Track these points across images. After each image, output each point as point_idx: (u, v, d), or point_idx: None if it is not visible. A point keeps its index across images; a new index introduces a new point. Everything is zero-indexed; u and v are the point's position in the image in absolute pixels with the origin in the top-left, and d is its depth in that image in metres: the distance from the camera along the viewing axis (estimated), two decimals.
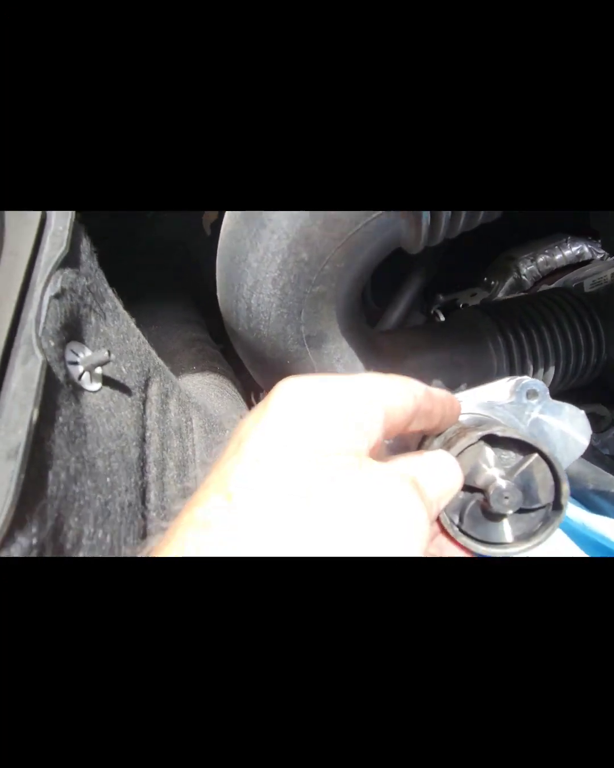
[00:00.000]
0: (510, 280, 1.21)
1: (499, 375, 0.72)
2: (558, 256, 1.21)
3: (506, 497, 0.33)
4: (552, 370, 0.74)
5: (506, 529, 0.36)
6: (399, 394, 0.29)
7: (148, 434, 0.44)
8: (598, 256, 1.19)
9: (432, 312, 1.20)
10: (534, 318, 0.73)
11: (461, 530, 0.35)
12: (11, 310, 0.31)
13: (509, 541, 0.36)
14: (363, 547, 0.22)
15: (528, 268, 1.21)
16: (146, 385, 0.47)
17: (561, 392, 0.80)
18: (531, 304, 0.75)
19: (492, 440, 0.35)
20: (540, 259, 1.21)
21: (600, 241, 1.21)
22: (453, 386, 0.69)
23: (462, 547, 0.36)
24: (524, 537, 0.36)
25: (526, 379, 0.43)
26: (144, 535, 0.37)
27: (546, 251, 1.22)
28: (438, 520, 0.35)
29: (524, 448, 0.35)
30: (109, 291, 0.46)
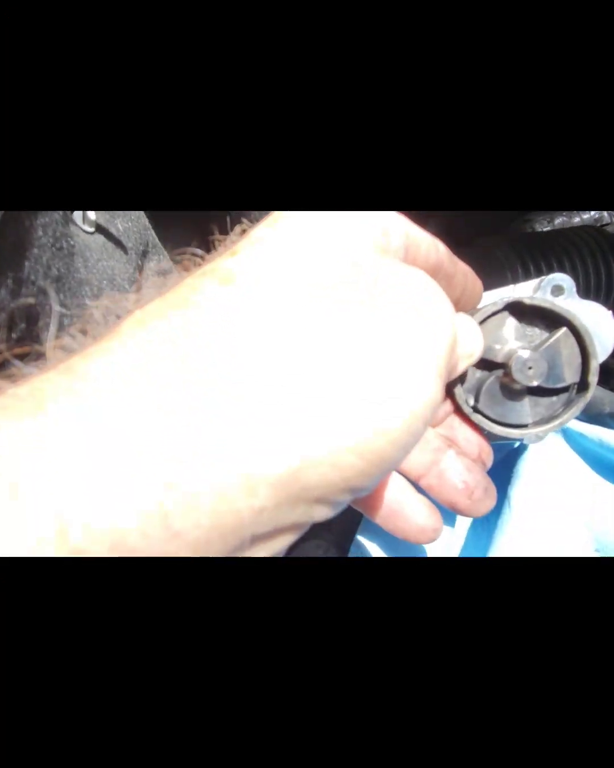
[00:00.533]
0: None
1: None
2: (576, 219, 1.18)
3: (530, 367, 0.30)
4: None
5: (525, 410, 0.33)
6: (423, 234, 0.25)
7: (143, 302, 0.41)
8: None
9: None
10: (555, 250, 0.70)
11: (476, 410, 0.32)
12: None
13: (528, 423, 0.33)
14: (381, 318, 0.19)
15: (545, 230, 1.18)
16: (143, 256, 0.44)
17: None
18: (553, 238, 0.72)
19: (518, 311, 0.31)
20: (558, 222, 1.18)
21: None
22: None
23: (476, 428, 0.32)
24: (543, 420, 0.33)
25: (552, 274, 0.40)
26: None
27: (564, 214, 1.19)
28: (451, 397, 0.32)
29: (552, 322, 0.32)
30: None
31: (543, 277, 0.41)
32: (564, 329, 0.31)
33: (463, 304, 0.31)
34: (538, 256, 0.68)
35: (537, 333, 0.32)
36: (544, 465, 0.51)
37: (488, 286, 0.75)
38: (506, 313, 0.31)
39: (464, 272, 0.29)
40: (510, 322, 0.31)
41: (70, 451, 0.13)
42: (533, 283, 0.41)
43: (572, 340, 0.31)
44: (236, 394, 0.16)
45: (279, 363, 0.16)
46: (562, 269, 0.69)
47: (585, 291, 0.70)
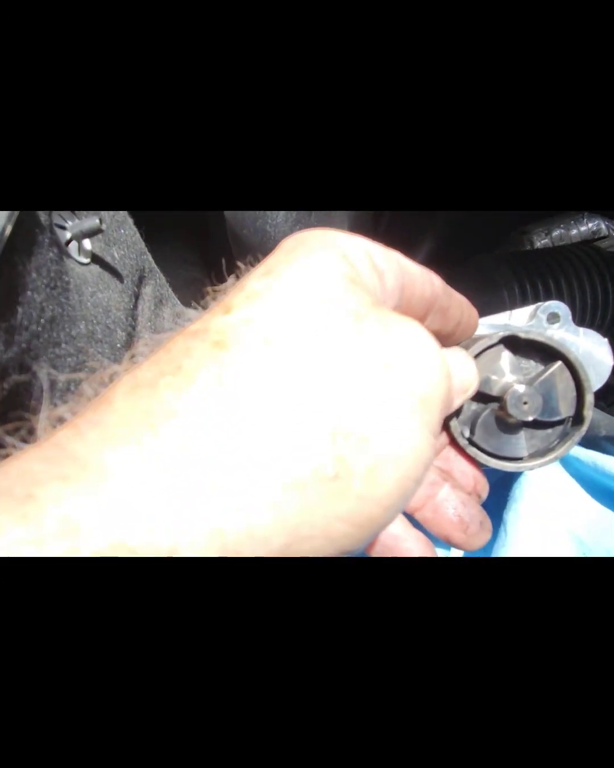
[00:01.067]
0: None
1: None
2: (573, 232, 1.18)
3: (525, 402, 0.30)
4: None
5: (521, 443, 0.33)
6: (419, 270, 0.25)
7: (138, 329, 0.41)
8: None
9: None
10: (552, 268, 0.70)
11: (472, 442, 0.32)
12: None
13: (523, 456, 0.33)
14: (370, 385, 0.18)
15: (542, 242, 1.18)
16: (140, 282, 0.44)
17: None
18: (550, 256, 0.72)
19: (513, 345, 0.31)
20: (555, 233, 1.18)
21: None
22: None
23: (472, 461, 0.32)
24: (539, 453, 0.33)
25: (548, 301, 0.40)
26: None
27: (562, 226, 1.19)
28: (447, 429, 0.32)
29: (547, 355, 0.32)
30: None
31: (539, 304, 0.41)
32: (559, 363, 0.31)
33: (459, 335, 0.31)
34: (536, 277, 0.68)
35: (532, 366, 0.32)
36: (540, 489, 0.51)
37: (485, 306, 0.75)
38: (501, 347, 0.31)
39: (459, 303, 0.29)
40: (506, 356, 0.31)
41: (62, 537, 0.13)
42: (529, 309, 0.41)
43: (567, 373, 0.31)
44: (214, 480, 0.15)
45: (264, 440, 0.16)
46: (559, 289, 0.69)
47: (583, 311, 0.70)
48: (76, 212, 0.36)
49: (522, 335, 0.31)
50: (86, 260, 0.35)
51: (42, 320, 0.25)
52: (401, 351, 0.19)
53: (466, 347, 0.31)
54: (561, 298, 0.68)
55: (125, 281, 0.40)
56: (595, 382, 0.41)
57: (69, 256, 0.33)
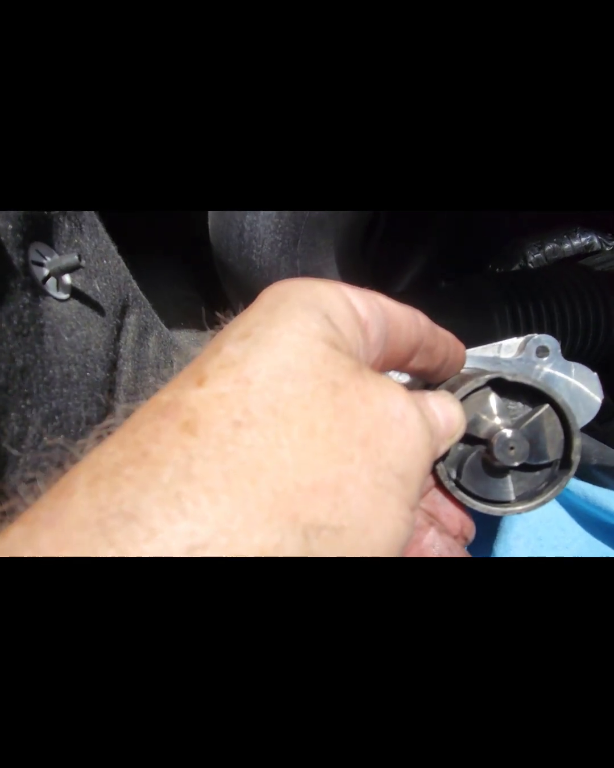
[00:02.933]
0: (515, 268, 1.18)
1: None
2: (566, 246, 1.18)
3: (511, 448, 0.29)
4: None
5: (508, 487, 0.32)
6: (403, 314, 0.24)
7: (120, 362, 0.40)
8: (607, 247, 1.16)
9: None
10: (543, 291, 0.70)
11: (459, 485, 0.31)
12: None
13: (510, 500, 0.32)
14: (346, 468, 0.17)
15: (535, 256, 1.17)
16: (123, 312, 0.43)
17: None
18: (541, 277, 0.72)
19: (500, 387, 0.31)
20: (548, 248, 1.18)
21: (610, 233, 1.18)
22: None
23: (459, 504, 0.32)
24: (526, 496, 0.32)
25: (537, 334, 0.39)
26: None
27: (555, 240, 1.18)
28: (433, 472, 0.31)
29: (534, 398, 0.31)
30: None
31: (529, 336, 0.41)
32: (546, 406, 0.30)
33: (445, 372, 0.30)
34: (527, 300, 0.67)
35: (520, 407, 0.32)
36: (529, 520, 0.50)
37: (475, 329, 0.74)
38: (488, 389, 0.31)
39: (445, 340, 0.28)
40: (493, 398, 0.31)
41: None
42: (518, 341, 0.41)
43: (555, 416, 0.31)
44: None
45: (230, 545, 0.15)
46: (550, 312, 0.68)
47: (574, 334, 0.69)
48: (55, 247, 0.35)
49: (510, 378, 0.30)
50: (65, 296, 0.35)
51: (11, 371, 0.25)
52: (380, 425, 0.19)
53: (453, 389, 0.30)
54: (551, 321, 0.68)
55: (107, 314, 0.39)
56: (585, 416, 0.41)
57: (46, 294, 0.32)
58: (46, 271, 0.33)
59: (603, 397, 0.40)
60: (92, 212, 0.42)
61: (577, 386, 0.40)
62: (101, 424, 0.19)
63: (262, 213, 0.41)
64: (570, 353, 0.73)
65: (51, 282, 0.33)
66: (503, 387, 0.31)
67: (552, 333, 0.71)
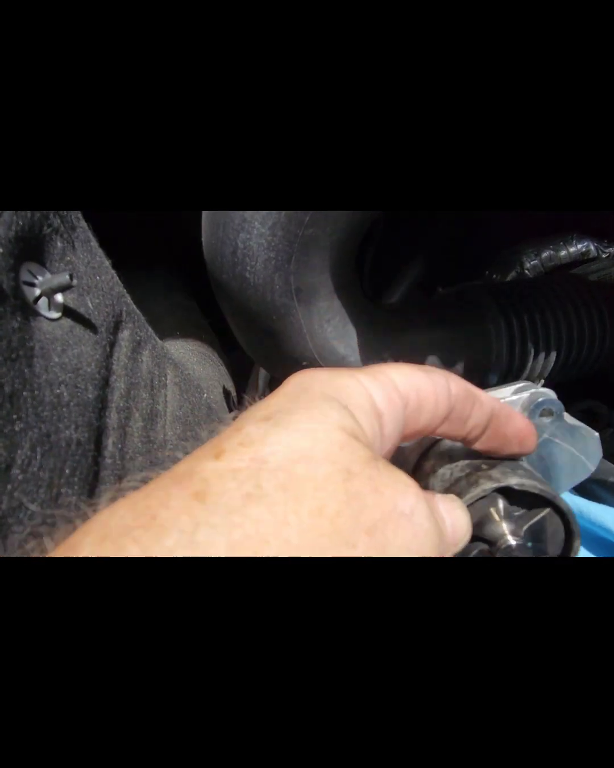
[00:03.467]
0: (512, 274, 1.18)
1: (498, 358, 0.69)
2: (562, 253, 1.18)
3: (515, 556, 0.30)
4: (552, 358, 0.70)
5: None
6: (430, 388, 0.24)
7: (112, 379, 0.40)
8: (603, 255, 1.16)
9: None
10: (539, 302, 0.70)
11: None
12: None
13: None
14: (349, 553, 0.18)
15: (532, 263, 1.18)
16: (116, 328, 0.43)
17: (559, 384, 0.77)
18: (537, 288, 0.72)
19: (505, 493, 0.31)
20: (545, 255, 1.18)
21: (606, 240, 1.18)
22: (448, 366, 0.66)
23: None
24: None
25: (541, 393, 0.40)
26: (94, 480, 0.33)
27: (551, 247, 1.19)
28: None
29: (538, 500, 0.32)
30: (83, 222, 0.42)
31: (532, 392, 0.41)
32: (548, 510, 0.31)
33: (471, 437, 0.30)
34: (522, 312, 0.67)
35: (523, 512, 0.33)
36: None
37: (471, 340, 0.74)
38: (495, 494, 0.31)
39: (487, 411, 0.28)
40: (500, 502, 0.32)
41: None
42: (522, 398, 0.41)
43: (557, 519, 0.32)
44: None
45: None
46: (546, 325, 0.68)
47: (569, 346, 0.69)
48: (47, 265, 0.35)
49: (516, 487, 0.31)
50: (57, 315, 0.35)
51: (0, 398, 0.25)
52: (388, 517, 0.19)
53: (461, 493, 0.31)
54: (547, 333, 0.68)
55: (100, 331, 0.39)
56: (578, 477, 0.42)
57: (37, 314, 0.32)
58: (37, 291, 0.33)
59: (599, 461, 0.42)
60: (85, 228, 0.42)
61: (575, 453, 0.41)
62: (115, 486, 0.20)
63: (255, 231, 0.41)
64: (566, 364, 0.73)
65: (42, 302, 0.33)
66: (508, 493, 0.31)
67: (548, 343, 0.71)
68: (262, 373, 0.95)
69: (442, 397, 0.25)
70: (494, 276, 1.19)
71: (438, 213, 0.97)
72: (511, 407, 0.31)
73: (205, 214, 0.45)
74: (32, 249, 0.34)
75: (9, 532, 0.24)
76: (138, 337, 0.46)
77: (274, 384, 0.99)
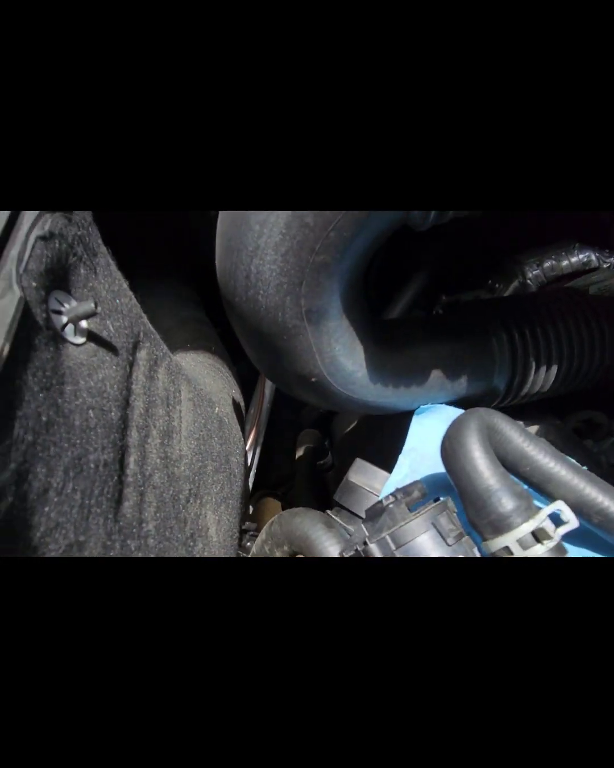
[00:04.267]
0: (514, 284, 1.19)
1: (500, 371, 0.70)
2: (564, 263, 1.20)
3: None
4: (554, 371, 0.72)
5: None
6: None
7: (132, 398, 0.42)
8: (605, 265, 1.17)
9: (434, 312, 1.18)
10: (540, 316, 0.71)
11: None
12: None
13: None
14: None
15: (534, 273, 1.19)
16: (135, 349, 0.45)
17: (561, 395, 0.78)
18: (538, 302, 0.73)
19: None
20: (547, 264, 1.19)
21: (608, 250, 1.19)
22: (453, 379, 0.67)
23: None
24: None
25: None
26: (119, 499, 0.35)
27: (553, 257, 1.20)
28: None
29: None
30: (103, 247, 0.44)
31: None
32: None
33: None
34: (524, 326, 0.69)
35: None
36: None
37: (474, 354, 0.75)
38: None
39: None
40: None
41: None
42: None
43: None
44: None
45: None
46: (547, 338, 0.70)
47: (570, 359, 0.71)
48: (73, 292, 0.37)
49: None
50: (82, 340, 0.37)
51: (37, 427, 0.26)
52: None
53: None
54: (548, 345, 0.69)
55: (120, 353, 0.41)
56: None
57: (65, 340, 0.34)
58: (64, 319, 0.35)
59: None
60: (106, 253, 0.44)
61: None
62: None
63: (267, 257, 0.43)
64: (567, 376, 0.74)
65: (69, 328, 0.35)
66: None
67: (549, 356, 0.72)
68: (268, 384, 0.97)
69: None
70: (496, 286, 1.21)
71: (440, 227, 0.98)
72: None
73: (218, 239, 0.47)
74: (59, 278, 0.36)
75: (46, 551, 0.26)
76: (154, 356, 0.48)
77: (279, 395, 1.00)
